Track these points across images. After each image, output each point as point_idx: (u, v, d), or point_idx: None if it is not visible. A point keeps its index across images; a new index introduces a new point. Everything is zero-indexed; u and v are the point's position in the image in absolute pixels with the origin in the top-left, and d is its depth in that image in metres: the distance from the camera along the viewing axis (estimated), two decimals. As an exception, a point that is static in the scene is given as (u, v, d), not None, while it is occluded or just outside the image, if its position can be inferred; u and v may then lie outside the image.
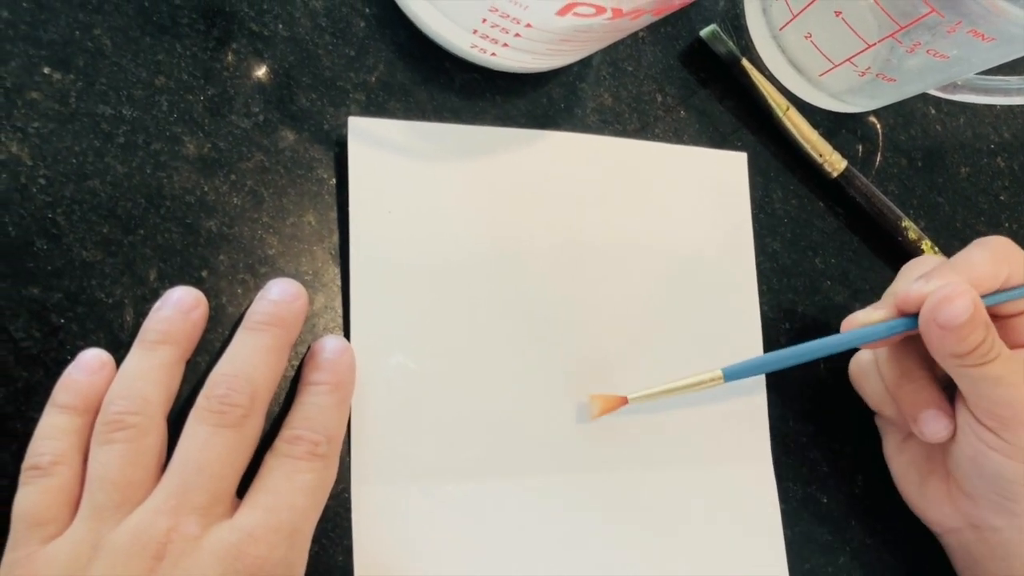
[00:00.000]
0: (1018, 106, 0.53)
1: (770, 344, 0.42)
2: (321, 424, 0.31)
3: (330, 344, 0.33)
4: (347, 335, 0.34)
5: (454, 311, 0.36)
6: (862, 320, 0.37)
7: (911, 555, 0.42)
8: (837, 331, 0.39)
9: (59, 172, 0.32)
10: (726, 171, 0.43)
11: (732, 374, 0.37)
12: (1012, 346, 0.35)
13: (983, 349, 0.33)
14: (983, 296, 0.34)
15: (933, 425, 0.36)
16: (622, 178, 0.40)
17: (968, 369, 0.34)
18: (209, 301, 0.32)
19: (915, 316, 0.35)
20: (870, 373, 0.40)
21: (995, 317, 0.36)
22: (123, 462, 0.28)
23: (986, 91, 0.46)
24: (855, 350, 0.41)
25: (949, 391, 0.37)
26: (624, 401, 0.37)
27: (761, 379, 0.41)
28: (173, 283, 0.32)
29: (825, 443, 0.42)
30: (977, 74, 0.45)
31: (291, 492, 0.29)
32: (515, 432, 0.36)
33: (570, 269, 0.38)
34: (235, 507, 0.29)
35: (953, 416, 0.37)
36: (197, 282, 0.33)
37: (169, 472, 0.29)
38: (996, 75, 0.45)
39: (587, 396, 0.37)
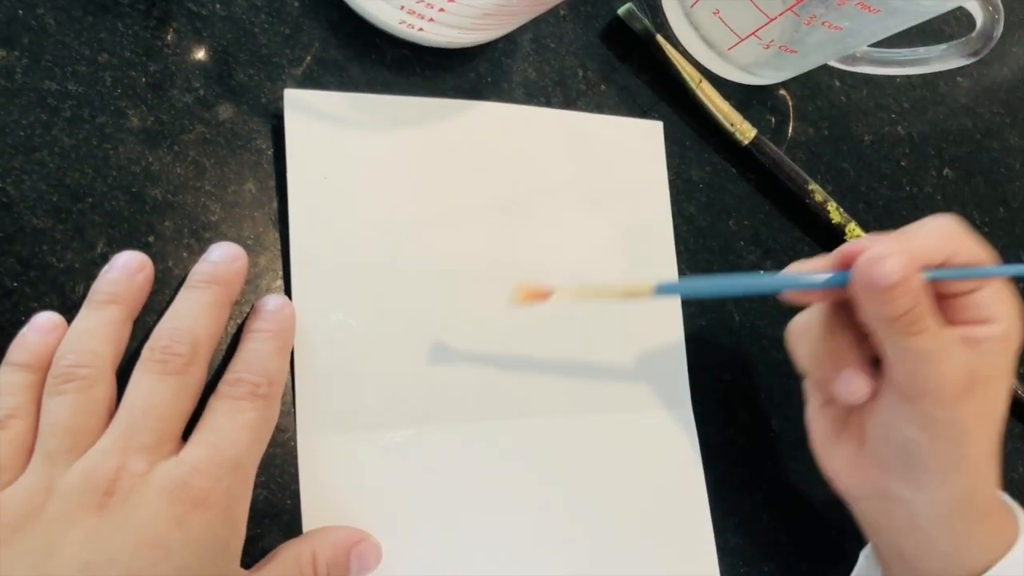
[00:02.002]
0: (916, 78, 0.57)
1: (687, 302, 0.45)
2: (262, 367, 0.33)
3: (272, 300, 0.35)
4: (289, 295, 0.36)
5: (389, 269, 0.38)
6: (803, 267, 0.37)
7: (822, 491, 0.45)
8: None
9: (7, 144, 0.33)
10: (644, 139, 0.46)
11: (663, 290, 0.37)
12: (952, 323, 0.35)
13: (911, 317, 0.33)
14: (925, 269, 0.34)
15: (851, 384, 0.36)
16: (546, 146, 0.43)
17: (896, 337, 0.34)
18: (156, 265, 0.34)
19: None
20: (803, 335, 0.40)
21: (941, 296, 0.36)
22: (73, 410, 0.30)
23: (882, 63, 0.49)
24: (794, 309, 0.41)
25: (874, 362, 0.37)
26: (548, 294, 0.36)
27: (680, 328, 0.44)
28: (121, 248, 0.34)
29: (741, 390, 0.45)
30: (872, 47, 0.49)
31: (234, 429, 0.31)
32: (451, 382, 0.38)
33: (497, 230, 0.41)
34: (181, 449, 0.31)
35: (871, 380, 0.36)
36: (144, 247, 0.35)
37: (116, 417, 0.31)
38: (891, 47, 0.49)
39: (512, 284, 0.37)
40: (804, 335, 0.39)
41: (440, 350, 0.39)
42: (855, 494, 0.39)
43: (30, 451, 0.30)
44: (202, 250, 0.35)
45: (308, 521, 0.35)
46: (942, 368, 0.33)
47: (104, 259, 0.34)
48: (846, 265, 0.35)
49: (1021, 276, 0.36)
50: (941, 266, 0.35)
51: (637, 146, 0.46)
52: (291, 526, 0.35)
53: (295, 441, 0.35)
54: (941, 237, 0.35)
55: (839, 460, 0.39)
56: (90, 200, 0.34)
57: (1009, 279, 0.36)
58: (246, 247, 0.36)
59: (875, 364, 0.37)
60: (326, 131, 0.38)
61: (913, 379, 0.34)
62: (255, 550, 0.34)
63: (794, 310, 0.41)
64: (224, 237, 0.36)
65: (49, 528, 0.28)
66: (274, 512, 0.35)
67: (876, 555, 0.41)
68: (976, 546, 0.36)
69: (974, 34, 0.45)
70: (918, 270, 0.33)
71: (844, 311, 0.37)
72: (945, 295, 0.36)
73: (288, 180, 0.37)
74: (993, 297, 0.35)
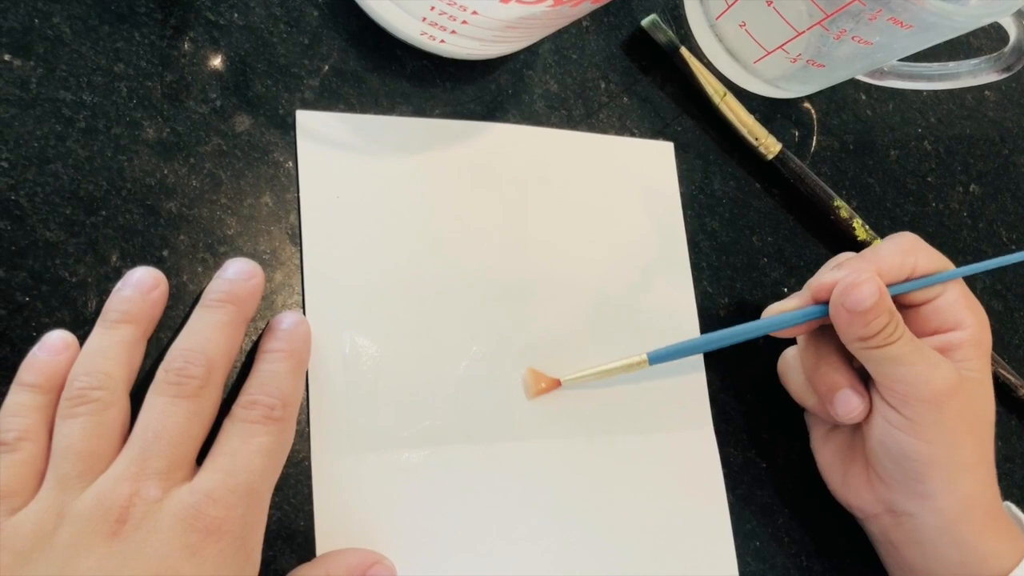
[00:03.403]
0: (942, 92, 0.56)
1: (706, 320, 0.44)
2: (277, 389, 0.32)
3: (287, 317, 0.34)
4: (304, 313, 0.36)
5: (405, 290, 0.38)
6: (779, 308, 0.40)
7: (844, 516, 0.44)
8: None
9: (21, 155, 0.33)
10: (655, 160, 0.45)
11: (656, 358, 0.39)
12: (917, 335, 0.38)
13: (887, 332, 0.36)
14: (890, 285, 0.37)
15: (847, 404, 0.39)
16: (557, 166, 0.43)
17: (872, 351, 0.37)
18: (170, 280, 0.34)
19: (827, 304, 0.38)
20: (794, 367, 0.43)
21: (902, 307, 0.39)
22: (86, 433, 0.29)
23: (910, 77, 0.48)
24: (784, 344, 0.44)
25: (864, 380, 0.40)
26: (558, 384, 0.39)
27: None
28: (135, 263, 0.33)
29: (764, 411, 0.44)
30: (901, 61, 0.48)
31: (248, 454, 0.31)
32: (466, 402, 0.38)
33: (510, 250, 0.40)
34: (195, 473, 0.30)
35: (866, 396, 0.39)
36: (158, 262, 0.34)
37: (130, 441, 0.30)
38: (920, 62, 0.48)
39: (525, 371, 0.39)
40: (794, 368, 0.42)
41: (456, 369, 0.38)
42: (867, 513, 0.42)
43: (41, 474, 0.29)
44: (217, 265, 0.35)
45: (322, 543, 0.34)
46: (922, 369, 0.36)
47: (117, 274, 0.33)
48: (818, 300, 0.38)
49: (978, 273, 0.40)
50: (907, 280, 0.38)
51: (648, 166, 0.45)
52: (305, 548, 0.34)
53: (309, 461, 0.34)
54: (904, 252, 0.38)
55: (849, 484, 0.41)
56: (104, 213, 0.33)
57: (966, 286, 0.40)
58: (262, 262, 0.35)
59: (864, 383, 0.40)
60: (338, 152, 0.38)
61: (898, 385, 0.37)
62: (268, 573, 0.33)
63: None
64: (240, 252, 0.35)
65: (60, 555, 0.27)
66: (288, 534, 0.34)
67: None
68: (986, 554, 0.38)
69: (1007, 49, 0.44)
70: (887, 289, 0.36)
71: (825, 339, 0.40)
72: (910, 305, 0.39)
73: (301, 201, 0.36)
74: (957, 303, 0.39)
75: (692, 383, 0.43)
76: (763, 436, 0.44)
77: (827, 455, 0.43)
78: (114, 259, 0.33)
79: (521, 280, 0.40)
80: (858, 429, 0.41)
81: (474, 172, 0.41)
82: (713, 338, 0.40)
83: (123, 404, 0.31)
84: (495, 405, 0.38)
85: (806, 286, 0.40)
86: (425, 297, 0.38)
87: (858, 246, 0.48)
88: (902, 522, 0.40)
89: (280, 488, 0.33)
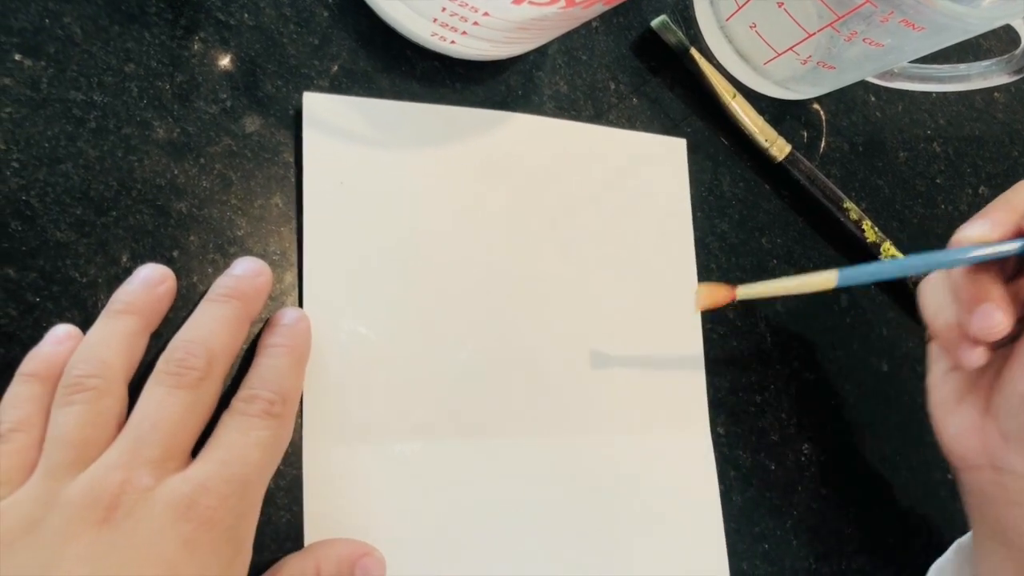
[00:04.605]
0: (952, 93, 0.56)
1: (713, 322, 0.44)
2: (276, 384, 0.32)
3: (288, 313, 0.34)
4: (301, 302, 0.36)
5: (405, 280, 0.37)
6: (976, 237, 0.35)
7: (853, 518, 0.44)
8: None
9: (32, 156, 0.33)
10: (667, 155, 0.45)
11: (846, 278, 0.36)
12: None
13: None
14: None
15: (989, 317, 0.35)
16: (567, 159, 0.42)
17: None
18: (180, 280, 0.34)
19: None
20: (936, 287, 0.39)
21: None
22: (80, 422, 0.29)
23: (921, 79, 0.48)
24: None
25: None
26: (732, 296, 0.37)
27: (700, 349, 0.43)
28: (145, 262, 0.33)
29: (773, 413, 0.44)
30: (912, 62, 0.47)
31: (245, 447, 0.30)
32: (461, 397, 0.38)
33: (517, 242, 0.40)
34: (189, 464, 0.30)
35: (1013, 317, 0.35)
36: (168, 262, 0.34)
37: (125, 430, 0.30)
38: (930, 63, 0.48)
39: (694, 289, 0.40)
40: (936, 288, 0.38)
41: (453, 363, 0.38)
42: (968, 463, 0.39)
43: (33, 465, 0.29)
44: (227, 265, 0.34)
45: (311, 533, 0.34)
46: None
47: (128, 274, 0.33)
48: (1021, 232, 0.35)
49: None
50: None
51: (660, 163, 0.45)
52: (295, 539, 0.34)
53: (300, 451, 0.34)
54: None
55: (957, 427, 0.39)
56: (114, 213, 0.33)
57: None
58: (271, 263, 0.35)
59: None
60: (344, 136, 0.37)
61: None
62: (258, 563, 0.32)
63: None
64: (250, 252, 0.35)
65: (48, 542, 0.27)
66: (277, 524, 0.34)
67: (966, 552, 0.41)
68: None
69: (1018, 51, 0.44)
70: None
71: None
72: None
73: (304, 183, 0.36)
74: None
75: (690, 383, 0.43)
76: (772, 438, 0.44)
77: (943, 393, 0.40)
78: (124, 259, 0.33)
79: (523, 274, 0.40)
80: (991, 375, 0.38)
81: (483, 162, 0.40)
82: (905, 264, 0.37)
83: (120, 394, 0.31)
84: (491, 400, 0.38)
85: (997, 209, 0.36)
86: (425, 287, 0.38)
87: (868, 248, 0.48)
88: (1005, 481, 0.37)
89: (276, 482, 0.33)
